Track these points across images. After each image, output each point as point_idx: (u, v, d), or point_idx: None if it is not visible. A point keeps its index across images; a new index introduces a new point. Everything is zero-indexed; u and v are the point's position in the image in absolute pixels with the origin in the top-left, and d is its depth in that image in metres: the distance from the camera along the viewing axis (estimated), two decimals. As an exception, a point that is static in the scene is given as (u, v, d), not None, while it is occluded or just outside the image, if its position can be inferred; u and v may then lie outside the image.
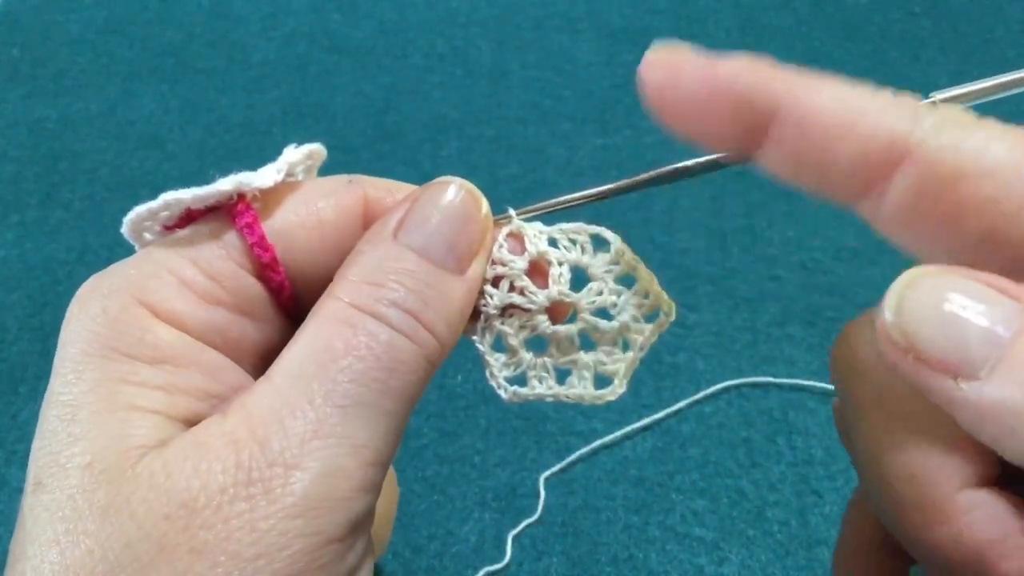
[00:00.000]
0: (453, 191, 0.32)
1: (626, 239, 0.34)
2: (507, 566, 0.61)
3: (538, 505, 0.63)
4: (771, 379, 0.69)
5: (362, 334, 0.29)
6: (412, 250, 0.31)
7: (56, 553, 0.27)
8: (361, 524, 0.29)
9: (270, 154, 0.33)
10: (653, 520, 0.63)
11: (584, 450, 0.66)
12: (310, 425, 0.28)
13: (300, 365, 0.29)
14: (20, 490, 0.29)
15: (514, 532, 0.62)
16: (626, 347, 0.35)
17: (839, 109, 0.27)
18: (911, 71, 0.93)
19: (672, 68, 0.28)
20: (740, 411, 0.68)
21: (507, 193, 0.82)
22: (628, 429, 0.67)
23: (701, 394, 0.69)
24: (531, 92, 0.92)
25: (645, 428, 0.67)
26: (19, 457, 0.68)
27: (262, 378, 0.30)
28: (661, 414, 0.68)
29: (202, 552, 0.26)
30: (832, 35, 0.97)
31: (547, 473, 0.65)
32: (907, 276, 0.25)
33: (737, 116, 0.28)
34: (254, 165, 0.33)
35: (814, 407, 0.68)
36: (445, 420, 0.68)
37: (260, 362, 0.33)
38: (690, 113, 0.28)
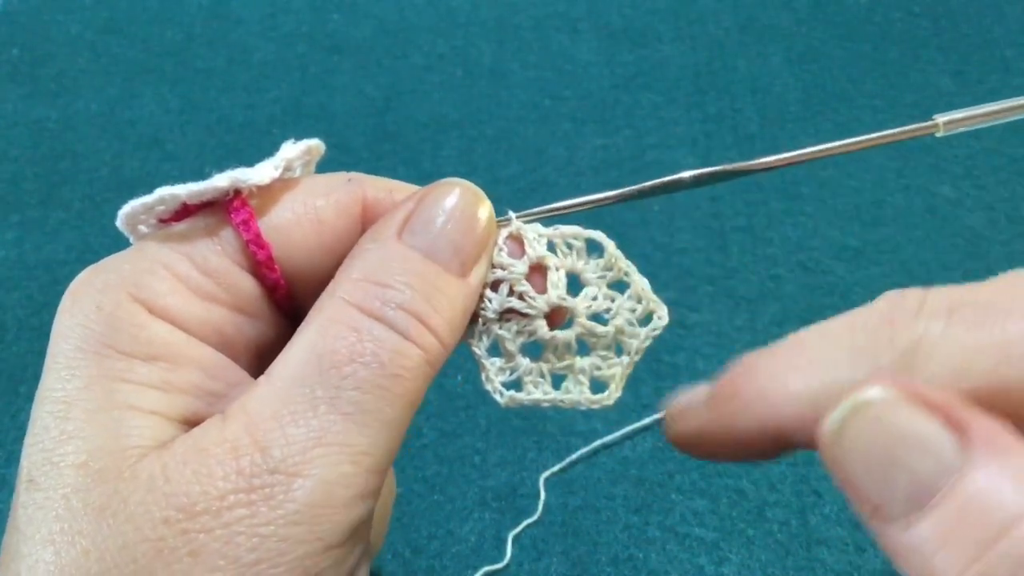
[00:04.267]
0: (458, 193, 0.32)
1: (625, 239, 0.34)
2: (507, 566, 0.61)
3: (538, 505, 0.63)
4: (771, 379, 0.69)
5: (367, 339, 0.29)
6: (418, 251, 0.31)
7: (51, 553, 0.26)
8: (360, 530, 0.29)
9: (270, 154, 0.33)
10: (653, 520, 0.63)
11: (584, 450, 0.66)
12: (313, 432, 0.27)
13: (303, 369, 0.29)
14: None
15: (514, 532, 0.62)
16: (620, 351, 0.35)
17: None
18: (911, 71, 0.93)
19: (691, 428, 0.30)
20: (740, 411, 0.68)
21: (507, 193, 0.82)
22: (628, 429, 0.67)
23: (701, 394, 0.69)
24: (531, 92, 0.92)
25: (645, 428, 0.67)
26: (19, 457, 0.68)
27: (262, 379, 0.29)
28: (661, 414, 0.68)
29: (201, 555, 0.26)
30: (832, 35, 0.97)
31: (547, 473, 0.65)
32: (855, 400, 0.24)
33: (762, 447, 0.28)
34: (253, 165, 0.32)
35: (814, 407, 0.68)
36: (445, 420, 0.68)
37: (256, 359, 0.33)
38: (719, 452, 0.30)
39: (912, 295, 0.26)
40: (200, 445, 0.28)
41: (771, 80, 0.92)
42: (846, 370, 0.26)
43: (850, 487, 0.25)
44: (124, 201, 0.32)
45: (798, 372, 0.27)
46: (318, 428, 0.28)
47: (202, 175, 0.31)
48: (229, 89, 0.94)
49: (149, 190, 0.31)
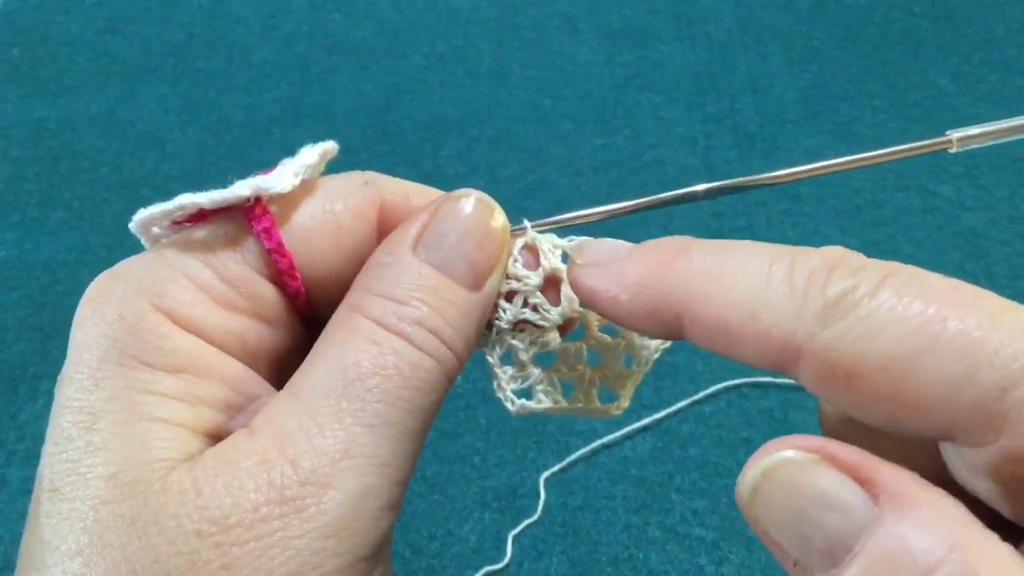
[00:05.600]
0: (471, 205, 0.32)
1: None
2: (507, 566, 0.61)
3: (538, 505, 0.63)
4: (771, 379, 0.69)
5: (389, 353, 0.29)
6: (432, 266, 0.31)
7: (79, 565, 0.26)
8: (384, 545, 0.29)
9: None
10: (653, 520, 0.63)
11: (584, 450, 0.66)
12: (340, 444, 0.28)
13: (326, 381, 0.29)
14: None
15: (514, 532, 0.62)
16: (629, 362, 0.35)
17: (732, 316, 0.26)
18: (911, 71, 0.93)
19: (598, 279, 0.30)
20: (740, 411, 0.68)
21: (507, 193, 0.82)
22: (628, 429, 0.67)
23: (701, 394, 0.69)
24: (531, 92, 0.92)
25: (645, 428, 0.67)
26: (19, 457, 0.68)
27: (286, 392, 0.29)
28: (661, 414, 0.68)
29: (234, 569, 0.26)
30: (832, 35, 0.97)
31: (547, 473, 0.65)
32: (765, 463, 0.25)
33: (653, 321, 0.29)
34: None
35: (814, 407, 0.68)
36: (445, 420, 0.68)
37: (275, 366, 0.33)
38: (620, 316, 0.30)
39: (857, 254, 0.26)
40: (230, 458, 0.28)
41: (771, 80, 0.92)
42: (776, 308, 0.26)
43: (770, 544, 0.25)
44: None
45: (729, 290, 0.27)
46: (344, 440, 0.28)
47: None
48: (229, 89, 0.94)
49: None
